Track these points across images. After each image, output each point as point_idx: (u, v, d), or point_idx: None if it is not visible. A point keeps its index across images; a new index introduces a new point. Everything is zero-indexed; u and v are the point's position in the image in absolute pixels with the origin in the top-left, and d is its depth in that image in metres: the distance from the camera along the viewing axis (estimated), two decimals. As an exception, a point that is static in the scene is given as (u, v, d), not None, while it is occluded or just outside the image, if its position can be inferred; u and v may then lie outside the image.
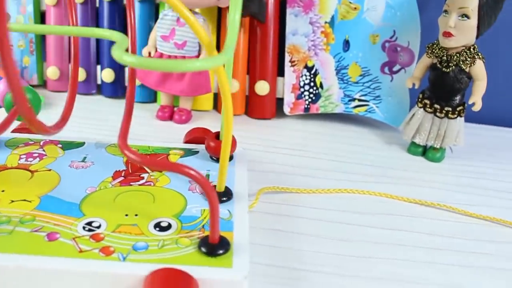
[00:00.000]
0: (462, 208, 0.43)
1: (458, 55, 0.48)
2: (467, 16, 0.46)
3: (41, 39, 0.63)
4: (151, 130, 0.55)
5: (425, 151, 0.53)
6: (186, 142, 0.47)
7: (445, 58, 0.49)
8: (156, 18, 0.59)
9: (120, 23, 0.61)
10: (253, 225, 0.38)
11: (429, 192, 0.46)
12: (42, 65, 0.63)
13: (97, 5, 0.61)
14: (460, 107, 0.51)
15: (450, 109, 0.50)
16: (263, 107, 0.58)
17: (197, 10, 0.55)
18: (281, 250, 0.36)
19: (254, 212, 0.40)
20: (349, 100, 0.58)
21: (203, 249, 0.30)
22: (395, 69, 0.57)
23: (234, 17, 0.29)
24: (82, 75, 0.61)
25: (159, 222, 0.33)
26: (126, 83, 0.61)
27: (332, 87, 0.58)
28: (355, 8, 0.55)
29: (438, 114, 0.51)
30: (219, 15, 0.59)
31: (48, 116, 0.53)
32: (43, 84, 0.64)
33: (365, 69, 0.57)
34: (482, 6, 0.46)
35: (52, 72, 0.61)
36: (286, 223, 0.39)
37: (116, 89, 0.62)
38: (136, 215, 0.34)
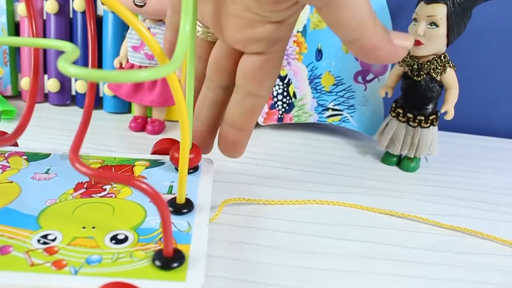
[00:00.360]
0: (433, 218, 0.43)
1: (428, 63, 0.48)
2: (436, 25, 0.46)
3: (15, 50, 0.62)
4: (124, 141, 0.54)
5: (400, 161, 0.53)
6: (153, 153, 0.46)
7: (416, 66, 0.49)
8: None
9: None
10: (215, 237, 0.38)
11: (401, 202, 0.46)
12: (17, 76, 0.63)
13: (71, 16, 0.61)
14: (433, 116, 0.50)
15: (423, 118, 0.50)
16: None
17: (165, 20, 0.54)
18: (242, 263, 0.36)
19: (218, 224, 0.39)
20: (323, 110, 0.58)
21: (157, 263, 0.30)
22: (368, 78, 0.56)
23: (184, 27, 0.29)
24: (56, 86, 0.60)
25: (116, 235, 0.33)
26: (101, 94, 0.61)
27: (306, 96, 0.58)
28: (328, 17, 0.54)
29: (411, 123, 0.51)
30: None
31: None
32: (18, 95, 0.64)
33: (338, 78, 0.57)
34: (450, 15, 0.46)
35: (26, 83, 0.60)
36: (250, 235, 0.39)
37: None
38: (93, 227, 0.33)
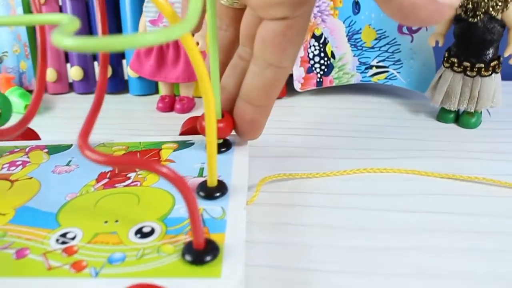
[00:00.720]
0: (504, 179, 0.36)
1: (486, 0, 0.41)
2: (492, -48, 0.39)
3: (35, 42, 0.59)
4: (152, 123, 0.50)
5: (458, 117, 0.46)
6: (182, 133, 0.42)
7: (470, 6, 0.42)
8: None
9: (111, 14, 0.57)
10: (255, 220, 0.33)
11: (465, 164, 0.40)
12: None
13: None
14: (495, 62, 0.43)
15: (482, 65, 0.43)
16: None
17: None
18: (287, 248, 0.31)
19: (257, 205, 0.35)
20: (366, 68, 0.52)
21: (187, 257, 0.26)
22: (414, 27, 0.49)
23: None
24: (79, 74, 0.57)
25: (141, 228, 0.29)
26: (126, 77, 0.57)
27: (345, 55, 0.52)
28: (363, -38, 0.48)
29: (468, 73, 0.44)
30: None
31: (48, 120, 0.50)
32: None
33: (380, 32, 0.51)
34: None
35: (49, 74, 0.57)
36: (294, 215, 0.34)
37: (116, 84, 0.59)
38: (116, 221, 0.29)
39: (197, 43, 0.50)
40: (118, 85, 0.58)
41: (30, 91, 0.58)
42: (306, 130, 0.47)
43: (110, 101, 0.55)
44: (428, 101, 0.49)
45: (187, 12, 0.24)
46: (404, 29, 0.50)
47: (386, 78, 0.52)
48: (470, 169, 0.39)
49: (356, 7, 0.51)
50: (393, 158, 0.41)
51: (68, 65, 0.59)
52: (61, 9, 0.57)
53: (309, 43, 0.52)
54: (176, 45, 0.49)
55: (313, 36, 0.51)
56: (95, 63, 0.60)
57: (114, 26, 0.56)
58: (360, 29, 0.51)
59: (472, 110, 0.45)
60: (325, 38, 0.51)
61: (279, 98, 0.54)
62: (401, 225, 0.32)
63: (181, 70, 0.48)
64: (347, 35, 0.51)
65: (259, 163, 0.40)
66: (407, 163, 0.40)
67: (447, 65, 0.45)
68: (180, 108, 0.51)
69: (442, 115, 0.47)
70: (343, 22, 0.51)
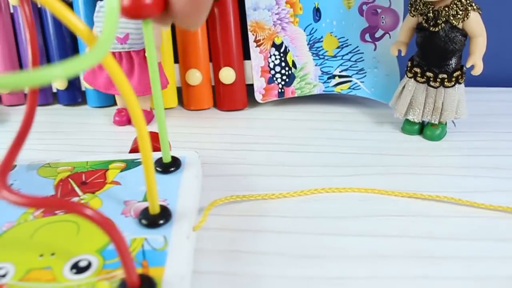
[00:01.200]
0: (467, 197, 0.36)
1: (447, 9, 0.40)
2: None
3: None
4: (107, 138, 0.48)
5: (422, 129, 0.45)
6: (131, 150, 0.40)
7: (431, 14, 0.41)
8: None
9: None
10: (203, 247, 0.32)
11: (428, 180, 0.39)
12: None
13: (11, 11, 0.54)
14: (458, 72, 0.42)
15: (445, 76, 0.42)
16: (232, 97, 0.51)
17: None
18: (236, 278, 0.30)
19: (206, 231, 0.33)
20: (329, 78, 0.50)
21: None
22: (377, 35, 0.48)
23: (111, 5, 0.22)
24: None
25: (78, 262, 0.28)
26: (83, 88, 0.55)
27: (307, 65, 0.50)
28: (323, -30, 0.46)
29: (432, 83, 0.43)
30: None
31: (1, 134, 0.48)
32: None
33: (342, 40, 0.49)
34: None
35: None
36: (245, 242, 0.33)
37: (74, 96, 0.56)
38: (52, 254, 0.28)
39: None
40: (75, 96, 0.55)
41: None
42: (265, 145, 0.45)
43: (66, 113, 0.53)
44: (391, 111, 0.47)
45: (102, 33, 0.22)
46: (367, 37, 0.49)
47: (349, 88, 0.51)
48: (432, 186, 0.38)
49: (317, 14, 0.49)
50: (354, 175, 0.40)
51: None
52: (13, 18, 0.54)
53: (269, 52, 0.50)
54: (129, 56, 0.46)
55: (273, 45, 0.50)
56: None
57: (69, 34, 0.54)
58: (322, 37, 0.50)
59: (437, 122, 0.44)
60: (285, 47, 0.50)
61: (239, 110, 0.52)
62: (354, 252, 0.31)
63: (136, 83, 0.46)
64: (308, 44, 0.50)
65: (213, 183, 0.39)
66: (368, 180, 0.39)
67: (410, 75, 0.44)
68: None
69: (406, 126, 0.46)
70: (304, 30, 0.50)
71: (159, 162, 0.36)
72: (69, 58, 0.19)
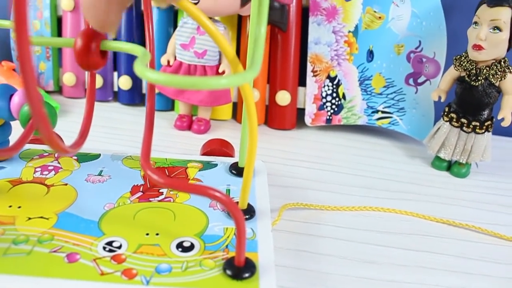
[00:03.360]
0: (490, 228, 0.41)
1: (488, 68, 0.47)
2: (499, 29, 0.44)
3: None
4: (169, 140, 0.53)
5: (450, 166, 0.52)
6: (203, 154, 0.45)
7: (474, 71, 0.47)
8: (175, 24, 0.58)
9: (138, 29, 0.60)
10: (276, 244, 0.36)
11: (456, 210, 0.45)
12: (58, 71, 0.62)
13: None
14: (488, 122, 0.49)
15: (477, 124, 0.48)
16: (284, 117, 0.57)
17: (217, 18, 0.53)
18: (307, 273, 0.35)
19: (276, 231, 0.38)
20: (372, 112, 0.57)
21: (229, 272, 0.29)
22: (420, 80, 0.55)
23: (259, 31, 0.27)
24: (98, 82, 0.59)
25: (182, 242, 0.32)
26: (144, 90, 0.60)
27: (355, 98, 0.56)
28: (380, 17, 0.53)
29: (465, 128, 0.49)
30: (239, 23, 0.58)
31: (65, 124, 0.52)
32: (59, 90, 0.63)
33: (389, 80, 0.55)
34: (515, 18, 0.44)
35: (68, 78, 0.60)
36: (310, 243, 0.38)
37: (133, 96, 0.61)
38: (157, 234, 0.32)
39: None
40: (135, 97, 0.61)
41: (47, 92, 0.60)
42: (314, 163, 0.51)
43: (125, 111, 0.58)
44: (423, 147, 0.54)
45: (253, 59, 0.28)
46: (411, 81, 0.55)
47: (389, 123, 0.56)
48: (461, 216, 0.43)
49: (370, 55, 0.55)
50: (394, 198, 0.45)
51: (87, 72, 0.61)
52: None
53: (324, 83, 0.56)
54: (203, 70, 0.52)
55: (328, 77, 0.56)
56: (115, 73, 0.62)
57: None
58: (372, 76, 0.56)
59: (464, 162, 0.50)
60: (338, 80, 0.56)
61: (288, 129, 0.58)
62: (402, 262, 0.36)
63: (206, 94, 0.51)
64: (359, 80, 0.56)
65: (273, 191, 0.44)
66: (406, 205, 0.44)
67: (446, 119, 0.50)
68: (197, 129, 0.54)
69: (436, 162, 0.52)
70: (357, 68, 0.56)
71: (234, 166, 0.42)
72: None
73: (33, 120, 0.23)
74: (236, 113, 0.59)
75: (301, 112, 0.58)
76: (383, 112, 0.56)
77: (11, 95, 0.38)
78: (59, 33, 0.60)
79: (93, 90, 0.37)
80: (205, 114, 0.55)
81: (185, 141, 0.53)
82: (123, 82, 0.59)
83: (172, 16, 0.59)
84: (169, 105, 0.60)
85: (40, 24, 0.59)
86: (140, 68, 0.24)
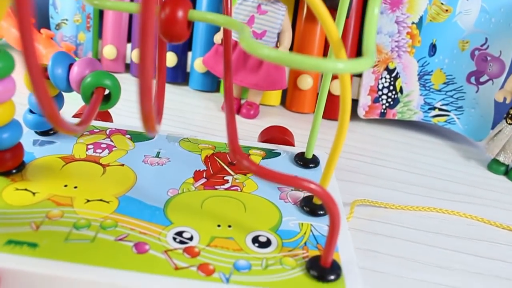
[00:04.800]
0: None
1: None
2: None
3: (99, 15, 0.57)
4: (217, 123, 0.49)
5: (508, 171, 0.48)
6: (263, 141, 0.42)
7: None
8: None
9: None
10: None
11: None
12: (98, 42, 0.58)
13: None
14: (554, 128, 0.45)
15: (543, 128, 0.45)
16: (336, 107, 0.52)
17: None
18: (380, 275, 0.32)
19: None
20: (429, 108, 0.53)
21: (313, 273, 0.26)
22: (482, 79, 0.51)
23: (373, 12, 0.24)
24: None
25: (257, 236, 0.29)
26: (188, 69, 0.56)
27: (413, 93, 0.53)
28: (447, 10, 0.49)
29: (529, 132, 0.46)
30: (296, 2, 0.53)
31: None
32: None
33: (449, 77, 0.52)
34: None
35: (108, 51, 0.55)
36: (379, 243, 0.35)
37: (177, 75, 0.57)
38: (229, 226, 0.29)
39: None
40: (179, 76, 0.57)
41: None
42: (369, 158, 0.47)
43: (170, 91, 0.54)
44: (477, 149, 0.51)
45: (367, 46, 0.24)
46: (472, 79, 0.51)
47: (445, 121, 0.53)
48: None
49: (433, 49, 0.52)
50: (455, 201, 0.42)
51: (129, 45, 0.57)
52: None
53: (381, 75, 0.52)
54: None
55: (386, 68, 0.52)
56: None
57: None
58: (432, 71, 0.52)
59: (524, 167, 0.47)
60: (397, 73, 0.52)
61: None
62: (474, 269, 0.34)
63: (262, 77, 0.47)
64: (418, 74, 0.52)
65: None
66: (468, 208, 0.41)
67: (509, 121, 0.46)
68: (246, 113, 0.51)
69: (494, 166, 0.48)
70: (417, 61, 0.52)
71: (299, 157, 0.38)
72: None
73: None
74: (285, 100, 0.56)
75: (354, 103, 0.54)
76: (440, 109, 0.53)
77: (70, 65, 0.34)
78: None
79: (164, 68, 0.33)
80: (256, 99, 0.51)
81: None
82: (167, 59, 0.55)
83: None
84: (214, 86, 0.56)
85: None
86: (250, 43, 0.21)
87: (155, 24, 0.18)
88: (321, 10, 0.23)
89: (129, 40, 0.57)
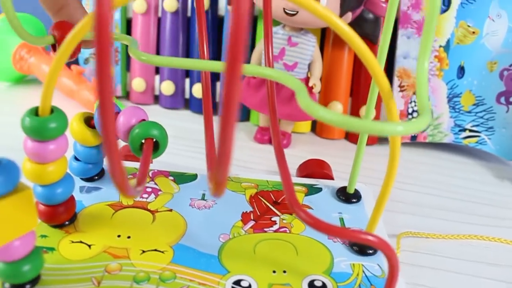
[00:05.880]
0: None
1: None
2: None
3: (127, 49, 0.58)
4: (250, 154, 0.50)
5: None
6: (302, 176, 0.42)
7: None
8: (253, 33, 0.54)
9: (213, 32, 0.56)
10: None
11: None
12: (126, 75, 0.59)
13: (189, 14, 0.56)
14: None
15: None
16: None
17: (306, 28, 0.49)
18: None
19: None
20: (460, 130, 0.53)
21: None
22: (512, 99, 0.52)
23: (422, 66, 0.24)
24: (170, 89, 0.56)
25: (312, 281, 0.29)
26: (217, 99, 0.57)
27: (443, 115, 0.53)
28: (474, 32, 0.49)
29: (563, 151, 0.46)
30: (323, 33, 0.54)
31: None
32: (126, 95, 0.60)
33: (479, 98, 0.52)
34: None
35: (137, 84, 0.56)
36: (427, 277, 0.35)
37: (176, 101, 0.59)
38: (284, 271, 0.29)
39: (313, 86, 0.50)
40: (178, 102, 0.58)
41: (116, 98, 0.57)
42: (403, 183, 0.48)
43: (195, 120, 0.54)
44: (510, 167, 0.51)
45: (422, 103, 0.24)
46: (502, 100, 0.51)
47: (477, 142, 0.53)
48: None
49: (461, 71, 0.52)
50: (489, 225, 0.42)
51: (157, 77, 0.58)
52: (159, 22, 0.56)
53: (411, 99, 0.53)
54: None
55: (415, 92, 0.52)
56: (187, 79, 0.59)
57: (215, 46, 0.56)
58: (461, 93, 0.52)
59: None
60: (426, 96, 0.52)
61: (370, 144, 0.55)
62: None
63: (295, 109, 0.48)
64: (447, 97, 0.53)
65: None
66: (504, 232, 0.41)
67: (542, 140, 0.47)
68: (284, 144, 0.51)
69: (529, 185, 0.49)
70: (446, 84, 0.52)
71: (341, 191, 0.39)
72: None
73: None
74: (315, 126, 0.56)
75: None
76: (471, 130, 0.53)
77: (116, 113, 0.34)
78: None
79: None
80: (288, 128, 0.51)
81: (267, 156, 0.49)
82: (196, 90, 0.55)
83: (251, 24, 0.55)
84: (245, 115, 0.56)
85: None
86: (309, 105, 0.21)
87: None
88: (374, 63, 0.23)
89: (157, 72, 0.58)
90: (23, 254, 0.25)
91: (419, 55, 0.24)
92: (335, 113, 0.20)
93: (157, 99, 0.59)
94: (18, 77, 0.60)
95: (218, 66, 0.28)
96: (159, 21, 0.56)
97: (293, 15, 0.43)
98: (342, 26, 0.22)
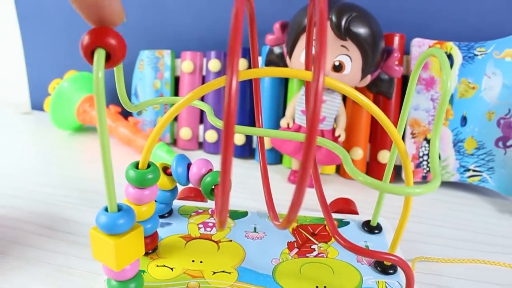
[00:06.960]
0: None
1: None
2: None
3: (175, 102, 0.69)
4: (285, 194, 0.59)
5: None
6: (333, 211, 0.51)
7: None
8: (285, 87, 0.65)
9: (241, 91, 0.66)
10: None
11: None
12: (174, 125, 0.70)
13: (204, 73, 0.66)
14: None
15: None
16: (381, 173, 0.64)
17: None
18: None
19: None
20: (464, 170, 0.63)
21: None
22: (508, 143, 0.61)
23: (434, 144, 0.32)
24: (213, 136, 0.66)
25: None
26: (254, 145, 0.67)
27: (449, 158, 0.62)
28: (473, 87, 0.60)
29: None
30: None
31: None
32: (173, 142, 0.71)
33: (480, 143, 0.62)
34: None
35: (185, 132, 0.66)
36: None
37: (244, 150, 0.68)
38: (324, 286, 0.38)
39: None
40: (246, 151, 0.68)
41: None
42: (416, 217, 0.57)
43: (239, 165, 0.64)
44: (509, 201, 0.60)
45: (433, 170, 0.32)
46: (500, 144, 0.61)
47: (479, 181, 0.62)
48: None
49: (464, 120, 0.62)
50: (495, 252, 0.50)
51: (201, 126, 0.69)
52: (203, 80, 0.67)
53: (421, 144, 0.63)
54: (321, 133, 0.59)
55: (425, 139, 0.62)
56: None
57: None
58: (464, 138, 0.62)
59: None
60: (435, 142, 0.63)
61: (388, 183, 0.64)
62: None
63: (324, 155, 0.58)
64: (453, 142, 0.62)
65: None
66: (504, 258, 0.49)
67: (535, 179, 0.57)
68: (310, 184, 0.60)
69: (525, 217, 0.57)
70: (451, 131, 0.62)
71: (366, 224, 0.49)
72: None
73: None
74: (340, 168, 0.66)
75: (397, 168, 0.65)
76: (474, 170, 0.62)
77: (188, 164, 0.45)
78: (176, 92, 0.68)
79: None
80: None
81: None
82: (239, 138, 0.66)
83: (283, 80, 0.66)
84: (278, 159, 0.67)
85: (161, 83, 0.67)
86: (353, 171, 0.29)
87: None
88: (394, 131, 0.34)
89: (201, 121, 0.69)
90: (131, 275, 0.34)
91: (432, 135, 0.32)
92: (373, 179, 0.28)
93: (200, 145, 0.70)
94: (78, 126, 0.72)
95: (298, 136, 0.38)
96: (203, 79, 0.67)
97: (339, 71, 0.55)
98: (365, 101, 0.32)
